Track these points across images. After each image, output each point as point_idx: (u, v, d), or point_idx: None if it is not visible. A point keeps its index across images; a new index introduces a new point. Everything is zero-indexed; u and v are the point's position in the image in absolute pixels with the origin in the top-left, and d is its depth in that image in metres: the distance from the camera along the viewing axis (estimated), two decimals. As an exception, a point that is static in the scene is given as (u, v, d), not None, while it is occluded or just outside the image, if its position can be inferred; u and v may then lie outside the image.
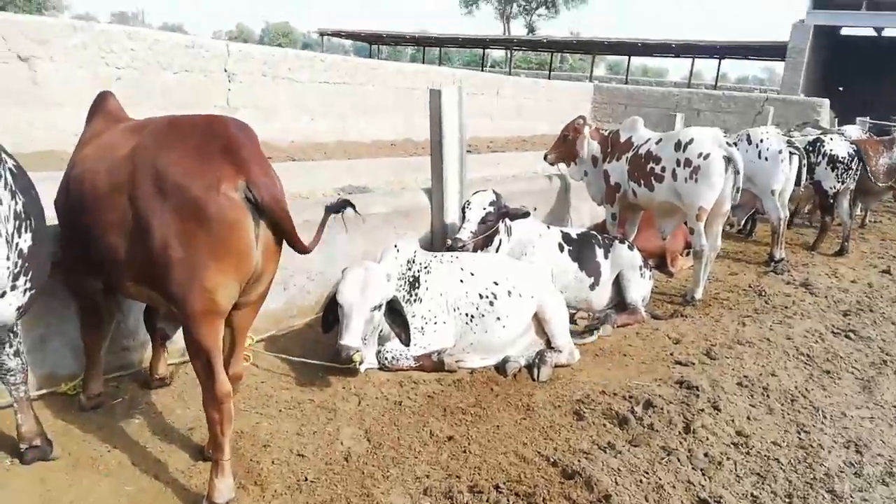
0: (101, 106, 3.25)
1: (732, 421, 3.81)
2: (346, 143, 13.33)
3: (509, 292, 4.41)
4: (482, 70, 32.45)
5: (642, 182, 6.33)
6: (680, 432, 3.63)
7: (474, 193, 5.28)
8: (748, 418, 3.88)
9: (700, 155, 5.78)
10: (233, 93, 11.79)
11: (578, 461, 3.22)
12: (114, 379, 3.64)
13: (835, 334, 5.48)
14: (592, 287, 5.60)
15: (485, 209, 5.12)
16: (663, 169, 6.09)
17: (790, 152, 7.60)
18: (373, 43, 39.70)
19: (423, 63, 34.07)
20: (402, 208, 5.33)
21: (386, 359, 4.14)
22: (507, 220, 5.33)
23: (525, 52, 56.95)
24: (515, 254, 5.44)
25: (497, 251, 5.36)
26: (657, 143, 6.28)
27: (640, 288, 5.69)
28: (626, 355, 4.85)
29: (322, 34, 39.11)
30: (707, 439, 3.58)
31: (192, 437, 3.23)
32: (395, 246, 4.40)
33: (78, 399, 3.34)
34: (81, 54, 9.53)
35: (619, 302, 5.72)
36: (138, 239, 2.51)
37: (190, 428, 3.30)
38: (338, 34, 38.52)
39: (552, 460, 3.25)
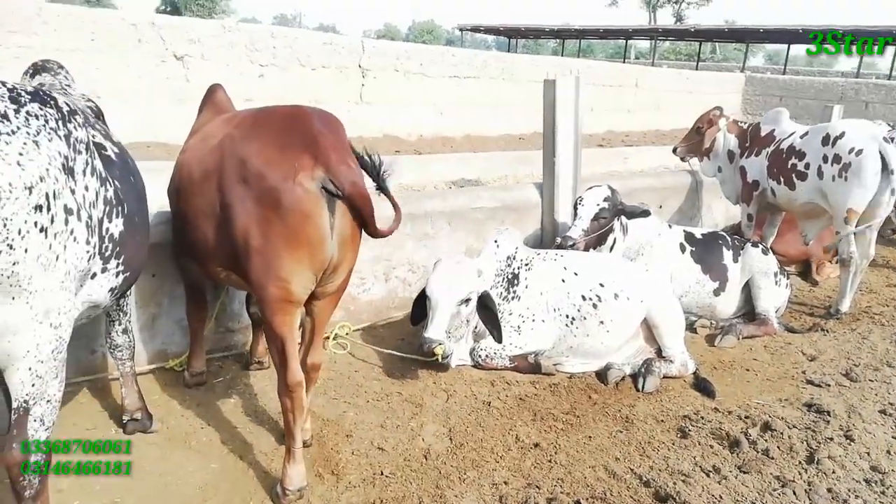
0: (210, 98, 3.40)
1: (868, 454, 3.31)
2: (473, 138, 13.33)
3: (616, 295, 4.13)
4: (623, 62, 31.26)
5: (783, 180, 5.72)
6: (801, 462, 3.21)
7: (588, 189, 5.02)
8: (888, 452, 3.35)
9: (852, 150, 5.12)
10: (366, 88, 12.15)
11: (675, 483, 2.93)
12: (218, 359, 3.82)
13: None
14: (717, 293, 5.14)
15: (598, 206, 4.85)
16: (807, 165, 5.46)
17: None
18: (511, 37, 39.51)
19: (563, 56, 33.41)
20: (510, 203, 5.17)
21: (479, 356, 4.03)
22: (622, 218, 5.02)
23: (673, 42, 54.22)
24: (632, 254, 5.12)
25: (611, 251, 5.07)
26: (802, 136, 5.65)
27: (773, 297, 5.15)
28: (748, 370, 4.40)
29: (461, 29, 39.53)
30: (833, 472, 3.12)
31: (281, 421, 3.30)
32: (495, 241, 4.27)
33: (183, 376, 3.53)
34: (229, 53, 10.22)
35: (749, 311, 5.21)
36: (224, 225, 2.58)
37: (280, 412, 3.37)
38: (476, 29, 38.73)
39: (645, 479, 2.98)
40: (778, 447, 3.31)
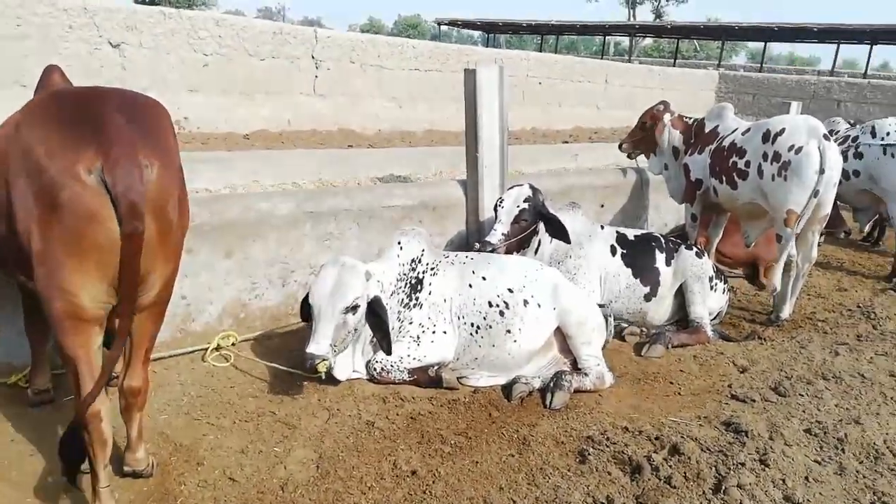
0: (44, 80, 2.99)
1: (783, 481, 3.00)
2: (434, 132, 12.95)
3: (525, 301, 3.80)
4: (601, 58, 31.02)
5: (724, 178, 5.43)
6: (705, 491, 2.89)
7: (509, 188, 4.69)
8: (806, 479, 3.05)
9: (791, 148, 4.82)
10: (319, 80, 11.73)
11: (554, 521, 2.60)
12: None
13: (959, 373, 4.38)
14: (648, 298, 4.83)
15: (518, 207, 4.52)
16: (748, 164, 5.17)
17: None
18: (489, 32, 39.10)
19: (544, 52, 33.10)
20: (428, 201, 4.82)
21: (375, 369, 3.67)
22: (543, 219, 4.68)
23: (656, 39, 54.12)
24: (559, 257, 4.80)
25: (536, 254, 4.74)
26: (744, 133, 5.36)
27: (707, 302, 4.85)
28: (672, 383, 4.09)
29: (438, 23, 39.04)
30: (739, 503, 2.81)
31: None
32: (398, 242, 3.91)
33: (26, 393, 3.14)
34: (169, 41, 9.76)
35: (684, 318, 4.91)
36: (9, 226, 2.20)
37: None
38: (454, 23, 38.25)
39: (525, 515, 2.65)
40: (683, 474, 2.99)
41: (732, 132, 5.49)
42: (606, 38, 39.52)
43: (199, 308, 3.86)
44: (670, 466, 3.02)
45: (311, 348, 3.30)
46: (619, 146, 6.61)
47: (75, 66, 8.93)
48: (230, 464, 2.85)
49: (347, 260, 3.50)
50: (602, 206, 6.35)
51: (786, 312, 5.12)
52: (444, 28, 42.30)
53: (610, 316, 4.26)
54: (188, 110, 10.05)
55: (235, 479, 2.76)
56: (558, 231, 4.56)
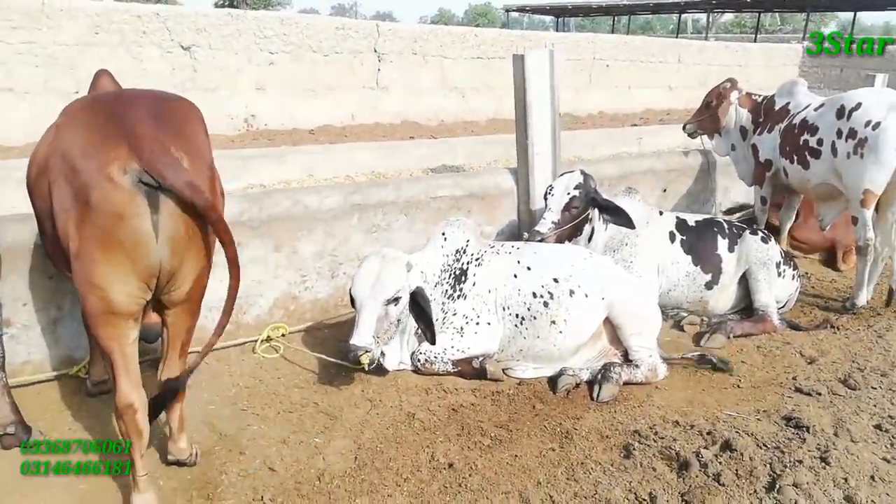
0: (94, 84, 3.13)
1: (845, 480, 2.79)
2: (497, 121, 12.81)
3: (571, 291, 3.70)
4: (677, 37, 29.85)
5: (795, 158, 5.11)
6: (757, 490, 2.73)
7: (560, 175, 4.57)
8: (872, 478, 2.83)
9: (868, 124, 4.48)
10: (381, 73, 11.81)
11: (592, 517, 2.52)
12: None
13: None
14: (709, 286, 4.62)
15: (569, 194, 4.40)
16: (820, 142, 4.85)
17: None
18: (559, 16, 38.30)
19: (618, 34, 32.17)
20: (477, 191, 4.77)
21: (419, 360, 3.67)
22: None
23: (737, 14, 51.61)
24: (614, 245, 4.65)
25: (590, 243, 4.61)
26: (816, 109, 5.03)
27: (774, 290, 4.58)
28: (732, 375, 3.89)
29: (507, 10, 38.57)
30: (795, 505, 2.64)
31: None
32: (443, 233, 3.89)
33: (85, 383, 3.32)
34: (237, 41, 10.07)
35: (749, 306, 4.66)
36: (54, 225, 2.31)
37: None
38: (522, 9, 37.69)
39: (561, 511, 2.58)
40: (735, 471, 2.84)
41: (804, 109, 5.16)
42: (682, 15, 37.94)
43: (250, 301, 3.96)
44: (720, 463, 2.87)
45: (354, 340, 3.32)
46: (683, 127, 6.34)
47: (150, 69, 9.40)
48: (271, 453, 2.92)
49: (389, 251, 3.51)
50: (665, 190, 6.11)
51: (862, 299, 4.78)
52: (513, 15, 41.80)
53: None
54: (255, 108, 10.36)
55: (275, 468, 2.82)
56: (619, 216, 4.40)
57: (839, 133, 4.66)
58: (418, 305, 3.48)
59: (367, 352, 3.30)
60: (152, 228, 2.17)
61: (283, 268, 4.03)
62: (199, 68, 9.81)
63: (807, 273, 5.71)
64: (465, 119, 12.77)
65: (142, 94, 2.47)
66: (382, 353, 3.48)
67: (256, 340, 3.85)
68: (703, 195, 6.51)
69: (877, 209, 4.63)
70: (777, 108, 5.52)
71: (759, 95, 5.84)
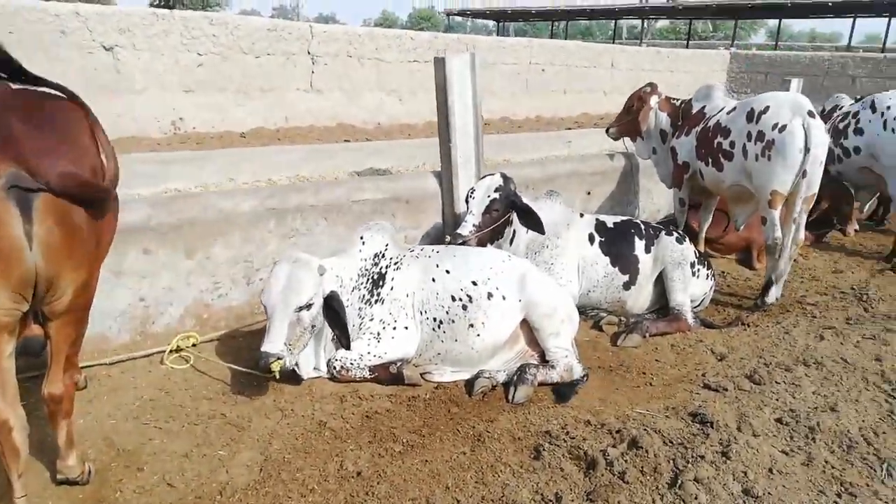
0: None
1: (745, 474, 2.88)
2: (435, 124, 12.81)
3: (489, 294, 3.72)
4: (613, 42, 30.53)
5: (710, 160, 5.28)
6: (660, 486, 2.79)
7: (481, 178, 4.59)
8: (770, 471, 2.93)
9: (775, 126, 4.66)
10: (316, 75, 11.67)
11: (496, 520, 2.52)
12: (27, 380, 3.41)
13: (952, 356, 4.20)
14: (627, 286, 4.71)
15: (489, 197, 4.41)
16: (732, 144, 5.02)
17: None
18: (499, 20, 38.77)
19: (552, 38, 32.69)
20: (401, 194, 4.74)
21: (335, 367, 3.62)
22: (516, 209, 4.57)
23: (672, 21, 53.19)
24: (535, 247, 4.70)
25: (511, 245, 4.64)
26: (729, 112, 5.20)
27: (689, 289, 4.71)
28: (645, 373, 3.98)
29: (448, 14, 38.83)
30: (695, 499, 2.71)
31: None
32: (361, 237, 3.85)
33: None
34: (163, 42, 9.77)
35: (665, 305, 4.78)
36: None
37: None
38: (463, 13, 37.98)
39: (466, 515, 2.58)
40: (640, 469, 2.89)
41: (719, 112, 5.34)
42: (618, 21, 38.92)
43: (159, 310, 3.83)
44: (626, 461, 2.92)
45: (265, 347, 3.25)
46: (607, 130, 6.47)
47: (69, 71, 9.02)
48: (171, 468, 2.82)
49: (300, 256, 3.44)
50: (589, 193, 6.22)
51: (772, 297, 4.97)
52: (457, 19, 42.09)
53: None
54: (183, 111, 10.07)
55: (174, 484, 2.72)
56: (531, 222, 4.45)
57: (749, 136, 4.83)
58: (333, 311, 3.43)
59: (278, 359, 3.22)
60: (24, 235, 2.05)
61: (195, 274, 3.92)
62: (122, 70, 9.47)
63: (723, 272, 5.90)
64: (402, 122, 12.73)
65: (13, 93, 2.34)
66: (296, 363, 3.41)
67: (164, 351, 3.71)
68: (627, 197, 6.66)
69: (784, 209, 4.82)
70: (694, 111, 5.69)
71: (678, 100, 6.01)
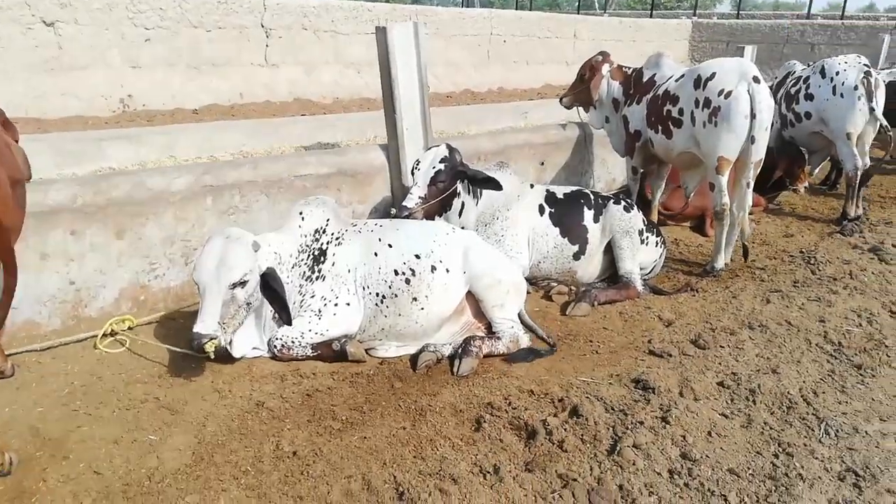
0: None
1: (683, 438, 2.90)
2: (394, 97, 12.62)
3: (433, 267, 3.66)
4: (578, 13, 30.34)
5: (660, 128, 5.26)
6: (598, 454, 2.79)
7: (427, 150, 4.51)
8: (709, 434, 2.95)
9: (721, 93, 4.65)
10: (271, 49, 11.38)
11: (430, 494, 2.49)
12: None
13: (893, 315, 4.27)
14: (577, 256, 4.70)
15: (434, 168, 4.34)
16: (681, 111, 5.00)
17: (870, 87, 6.13)
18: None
19: (518, 10, 32.36)
20: (346, 168, 4.64)
21: (276, 346, 3.54)
22: (466, 181, 4.51)
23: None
24: (486, 219, 4.65)
25: (460, 217, 4.58)
26: (677, 80, 5.17)
27: (638, 257, 4.72)
28: (592, 341, 3.98)
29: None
30: (633, 464, 2.71)
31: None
32: (301, 213, 3.75)
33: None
34: (107, 16, 9.41)
35: (615, 274, 4.78)
36: None
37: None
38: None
39: (401, 490, 2.54)
40: (580, 437, 2.89)
41: (668, 80, 5.30)
42: (584, -9, 38.61)
43: (92, 293, 3.70)
44: (566, 429, 2.91)
45: (198, 327, 3.15)
46: (560, 100, 6.40)
47: (10, 48, 8.65)
48: (99, 456, 2.73)
49: (234, 231, 3.33)
50: (542, 164, 6.17)
51: (721, 262, 5.00)
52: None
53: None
54: (132, 88, 9.73)
55: (101, 471, 2.63)
56: (484, 182, 4.40)
57: (696, 102, 4.81)
58: (271, 288, 3.34)
59: (212, 339, 3.13)
60: None
61: (127, 256, 3.78)
62: (65, 46, 9.11)
63: (676, 239, 5.93)
64: (361, 95, 12.50)
65: None
66: (230, 342, 3.32)
67: (98, 335, 3.59)
68: (581, 167, 6.63)
69: (732, 174, 4.82)
70: (644, 79, 5.65)
71: (630, 68, 5.96)
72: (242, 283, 3.25)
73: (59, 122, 8.70)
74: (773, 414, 3.15)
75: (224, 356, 3.35)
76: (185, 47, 10.29)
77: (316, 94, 11.94)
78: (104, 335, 3.61)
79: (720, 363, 3.58)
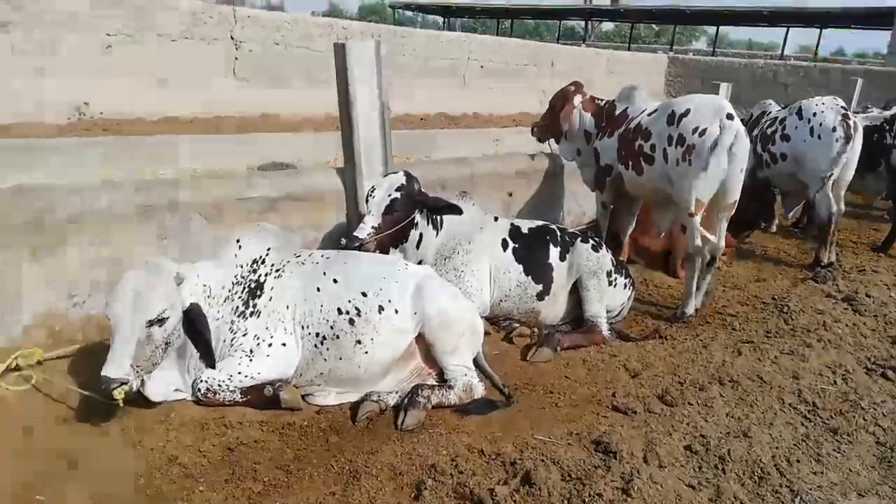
0: None
1: (645, 514, 2.60)
2: (367, 118, 12.35)
3: (380, 307, 3.34)
4: (557, 43, 30.58)
5: (630, 164, 5.04)
6: (550, 533, 2.47)
7: (384, 177, 4.21)
8: (673, 510, 2.66)
9: (696, 130, 4.44)
10: (240, 63, 11.06)
11: (353, 582, 2.15)
12: None
13: (868, 371, 4.05)
14: (541, 296, 4.41)
15: (390, 196, 4.04)
16: (653, 147, 4.78)
17: (849, 130, 6.00)
18: (445, 15, 38.43)
19: (499, 35, 32.53)
20: (297, 193, 4.31)
21: (200, 389, 3.17)
22: (426, 211, 4.22)
23: (617, 24, 53.97)
24: (446, 252, 4.36)
25: (418, 250, 4.28)
26: (650, 114, 4.96)
27: (605, 300, 4.46)
28: (553, 392, 3.68)
29: (393, 7, 38.23)
30: (588, 548, 2.40)
31: None
32: (238, 241, 3.41)
33: None
34: (66, 22, 9.01)
35: (581, 316, 4.51)
36: None
37: None
38: (408, 6, 37.49)
39: (320, 575, 2.19)
40: (531, 510, 2.57)
41: (640, 114, 5.09)
42: (563, 22, 39.16)
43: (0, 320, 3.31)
44: (515, 501, 2.59)
45: (107, 370, 2.77)
46: (532, 131, 6.18)
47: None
48: (-27, 520, 2.34)
49: (154, 261, 2.98)
50: (510, 194, 5.91)
51: (691, 308, 4.76)
52: (408, 14, 41.56)
53: None
54: (90, 96, 9.34)
55: (-29, 540, 2.25)
56: (444, 210, 4.13)
57: (669, 139, 4.60)
58: (195, 328, 2.98)
59: (122, 384, 2.76)
60: None
61: (42, 279, 3.40)
62: (17, 49, 8.67)
63: (644, 280, 5.69)
64: (332, 114, 12.15)
65: None
66: (142, 382, 2.95)
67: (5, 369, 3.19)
68: (551, 200, 6.39)
69: (705, 215, 4.61)
70: (617, 112, 5.44)
71: (602, 100, 5.76)
72: (161, 321, 2.89)
73: (10, 127, 8.26)
74: (743, 485, 2.87)
75: (138, 400, 2.97)
76: (148, 56, 9.93)
77: (285, 111, 11.64)
78: (7, 370, 3.20)
79: (688, 423, 3.30)
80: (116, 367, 2.77)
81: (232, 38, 10.90)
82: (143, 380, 2.94)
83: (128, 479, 2.63)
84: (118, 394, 2.73)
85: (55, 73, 8.99)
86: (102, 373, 2.76)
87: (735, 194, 4.55)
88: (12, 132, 8.06)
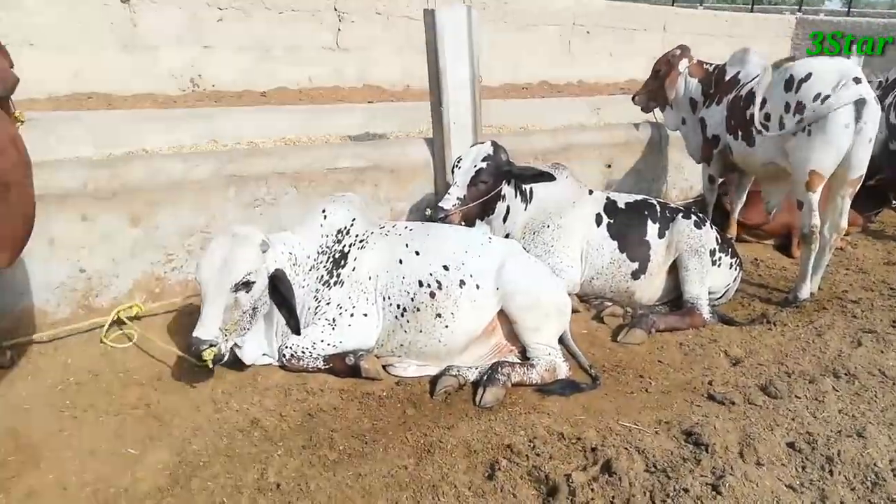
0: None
1: (737, 515, 2.40)
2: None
3: (462, 282, 3.26)
4: (672, 5, 28.92)
5: (740, 134, 4.64)
6: (627, 527, 2.33)
7: (471, 147, 4.10)
8: (769, 513, 2.44)
9: (817, 97, 4.00)
10: (343, 34, 11.14)
11: (417, 560, 2.11)
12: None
13: None
14: (636, 275, 4.18)
15: (476, 167, 3.93)
16: (767, 116, 4.37)
17: None
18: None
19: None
20: (385, 163, 4.28)
21: (285, 356, 3.23)
22: (515, 181, 4.08)
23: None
24: (535, 226, 4.21)
25: (505, 223, 4.16)
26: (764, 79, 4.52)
27: (707, 280, 4.16)
28: (643, 377, 3.48)
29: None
30: (670, 546, 2.24)
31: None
32: (323, 211, 3.42)
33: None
34: (182, -4, 9.42)
35: (679, 297, 4.24)
36: None
37: None
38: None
39: (386, 550, 2.18)
40: (610, 500, 2.44)
41: (754, 79, 4.67)
42: (679, -17, 36.86)
43: (103, 282, 3.51)
44: (593, 490, 2.46)
45: (197, 332, 2.88)
46: (633, 98, 5.84)
47: (87, 24, 8.78)
48: (72, 467, 2.50)
49: (241, 229, 3.05)
50: (609, 166, 5.64)
51: (805, 292, 4.35)
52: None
53: None
54: (202, 68, 9.74)
55: (68, 487, 2.40)
56: (534, 178, 3.98)
57: (787, 107, 4.18)
58: (279, 292, 3.03)
59: (211, 346, 2.86)
60: None
61: (142, 245, 3.57)
62: (139, 23, 9.17)
63: (756, 259, 5.28)
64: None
65: None
66: (236, 345, 3.04)
67: (104, 326, 3.38)
68: (653, 172, 6.04)
69: (825, 191, 4.18)
70: (727, 78, 5.03)
71: (711, 64, 5.34)
72: (247, 286, 2.95)
73: (129, 99, 8.78)
74: (853, 490, 2.59)
75: (231, 362, 3.07)
76: (257, 29, 10.20)
77: (386, 81, 11.68)
78: (111, 325, 3.39)
79: (793, 418, 3.02)
80: (206, 330, 2.86)
81: (335, 9, 11.02)
82: (237, 343, 3.03)
83: (211, 439, 2.72)
84: (207, 355, 2.83)
85: (170, 46, 9.44)
86: (193, 334, 2.87)
87: (861, 169, 4.08)
88: (133, 103, 8.57)
